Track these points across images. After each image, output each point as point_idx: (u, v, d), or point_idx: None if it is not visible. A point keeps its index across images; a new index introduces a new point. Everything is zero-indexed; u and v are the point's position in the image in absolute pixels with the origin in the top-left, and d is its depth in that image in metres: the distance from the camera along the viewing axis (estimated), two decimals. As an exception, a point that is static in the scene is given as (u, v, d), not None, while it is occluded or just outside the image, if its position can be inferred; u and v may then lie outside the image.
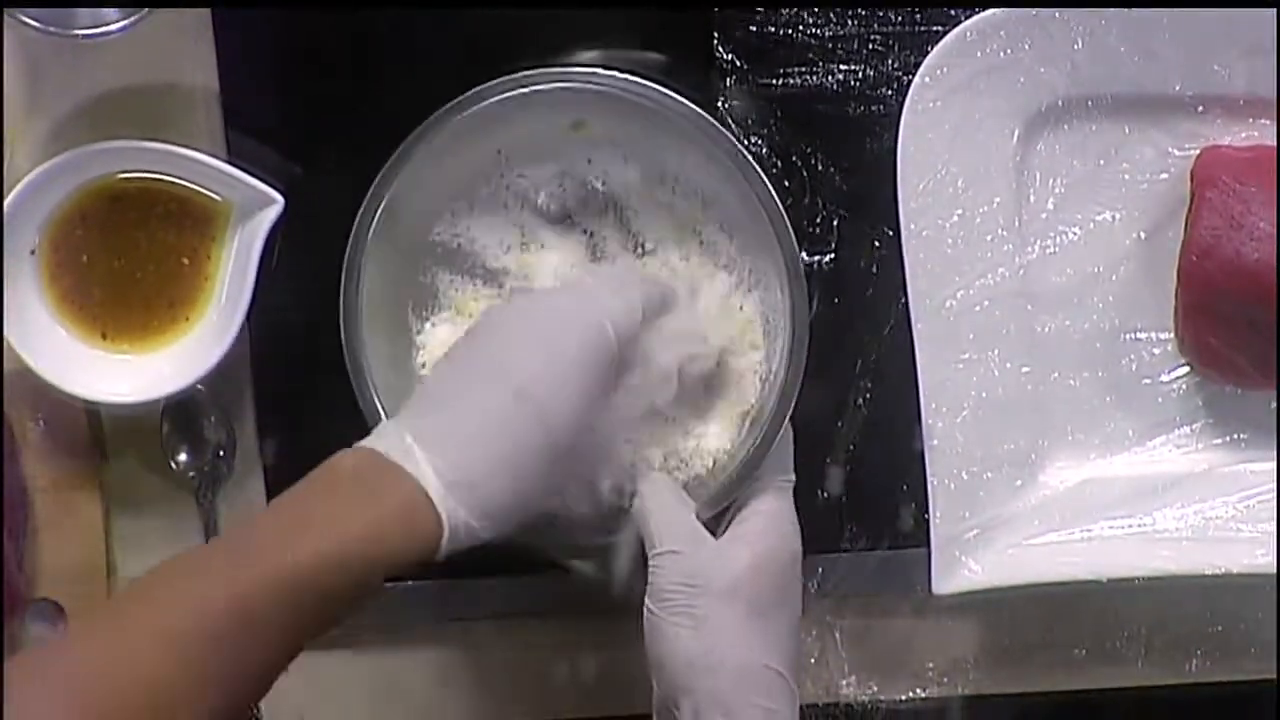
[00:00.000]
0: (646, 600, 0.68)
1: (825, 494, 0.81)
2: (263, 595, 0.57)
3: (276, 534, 0.60)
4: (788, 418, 0.72)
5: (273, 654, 0.59)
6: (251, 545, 0.60)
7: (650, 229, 0.77)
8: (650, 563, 0.68)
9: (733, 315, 0.76)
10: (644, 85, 0.72)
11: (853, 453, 0.80)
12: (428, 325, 0.78)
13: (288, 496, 0.62)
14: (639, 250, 0.77)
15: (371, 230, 0.73)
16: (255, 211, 0.75)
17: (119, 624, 0.58)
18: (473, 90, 0.72)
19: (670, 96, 0.72)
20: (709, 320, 0.75)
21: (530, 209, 0.77)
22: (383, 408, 0.73)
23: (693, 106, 0.72)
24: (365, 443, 0.64)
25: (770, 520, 0.70)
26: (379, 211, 0.73)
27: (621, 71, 0.73)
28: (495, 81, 0.72)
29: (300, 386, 0.79)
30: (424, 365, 0.78)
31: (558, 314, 0.67)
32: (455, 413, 0.64)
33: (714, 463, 0.75)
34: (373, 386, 0.73)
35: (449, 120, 0.72)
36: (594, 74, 0.73)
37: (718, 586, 0.66)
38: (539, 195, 0.77)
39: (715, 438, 0.76)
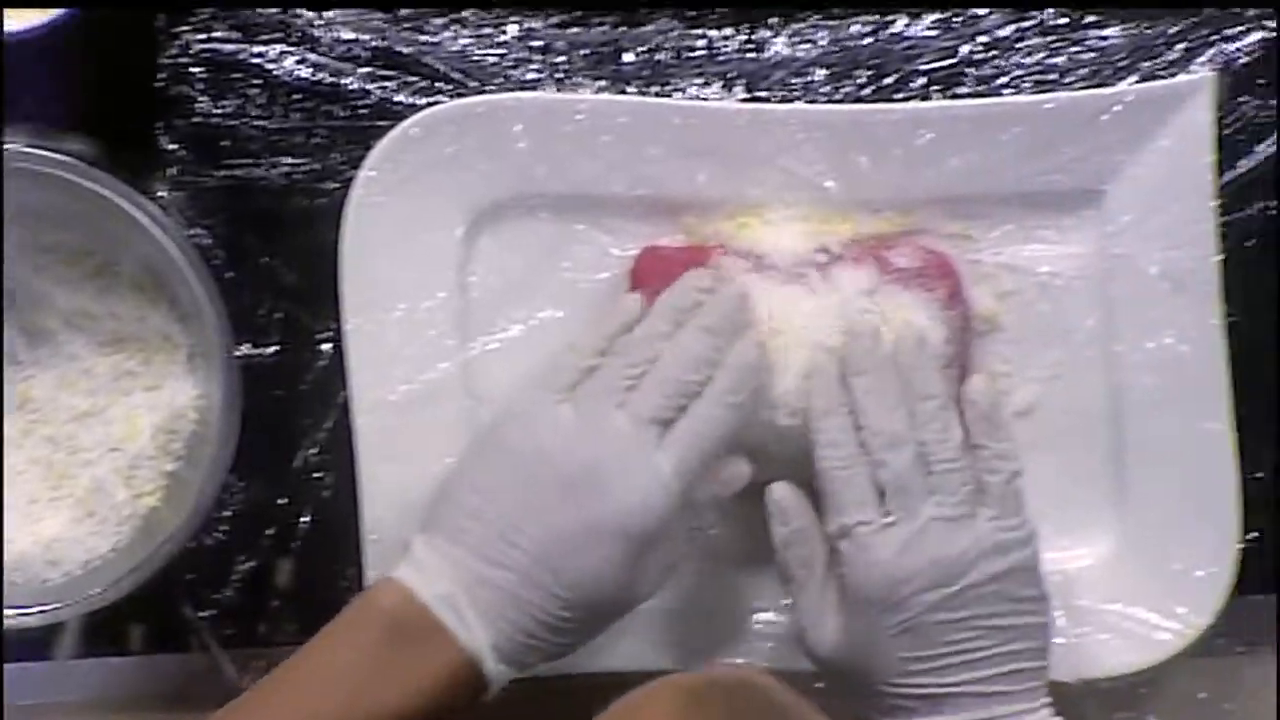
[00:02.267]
0: None
1: (276, 589, 0.79)
2: None
3: (311, 686, 0.64)
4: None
5: None
6: (285, 698, 0.64)
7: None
8: None
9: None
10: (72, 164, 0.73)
11: (297, 549, 0.79)
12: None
13: (323, 640, 0.65)
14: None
15: None
16: None
17: None
18: None
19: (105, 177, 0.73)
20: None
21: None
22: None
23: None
24: (403, 576, 0.65)
25: None
26: None
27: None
28: None
29: None
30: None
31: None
32: (501, 564, 0.65)
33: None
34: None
35: None
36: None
37: None
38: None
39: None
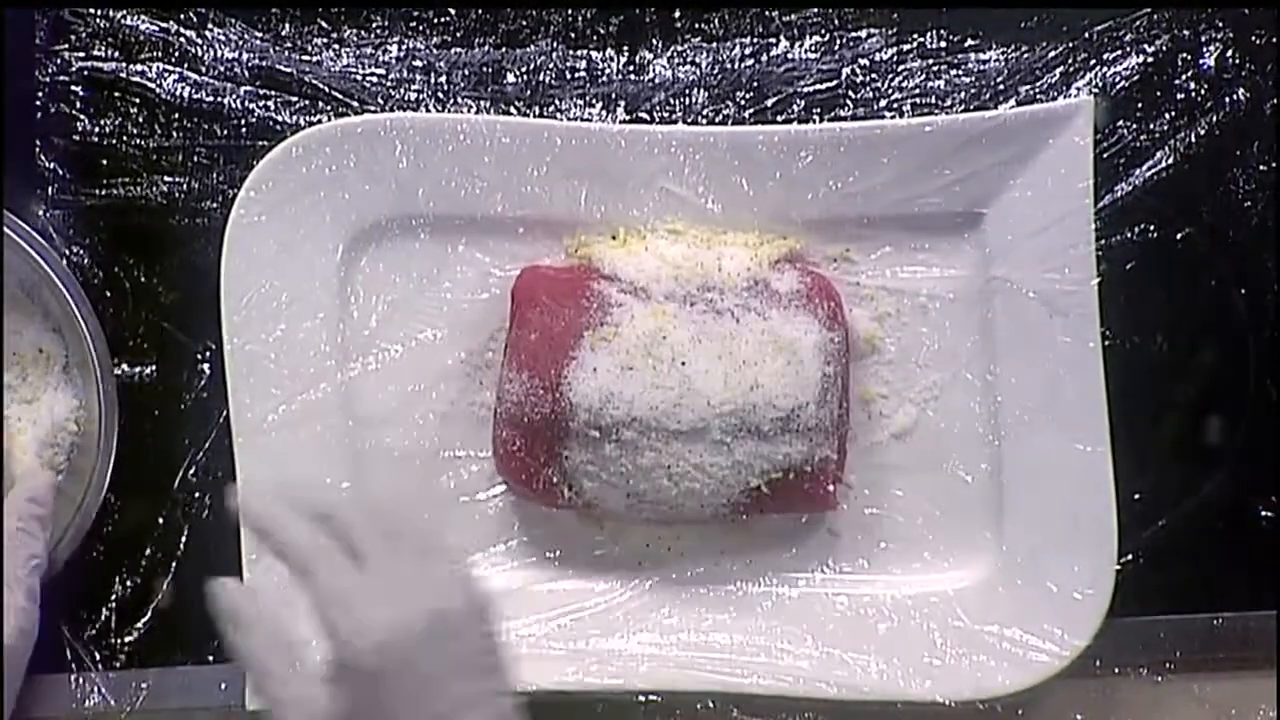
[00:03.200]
0: None
1: (155, 609, 0.79)
2: None
3: None
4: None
5: None
6: None
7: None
8: None
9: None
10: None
11: (177, 568, 0.79)
12: None
13: None
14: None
15: None
16: None
17: None
18: None
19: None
20: None
21: None
22: None
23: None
24: None
25: None
26: None
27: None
28: None
29: None
30: None
31: None
32: None
33: None
34: None
35: None
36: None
37: None
38: None
39: None
